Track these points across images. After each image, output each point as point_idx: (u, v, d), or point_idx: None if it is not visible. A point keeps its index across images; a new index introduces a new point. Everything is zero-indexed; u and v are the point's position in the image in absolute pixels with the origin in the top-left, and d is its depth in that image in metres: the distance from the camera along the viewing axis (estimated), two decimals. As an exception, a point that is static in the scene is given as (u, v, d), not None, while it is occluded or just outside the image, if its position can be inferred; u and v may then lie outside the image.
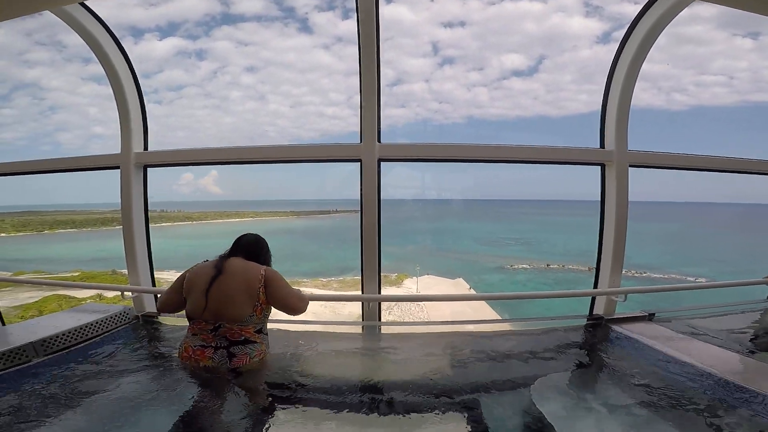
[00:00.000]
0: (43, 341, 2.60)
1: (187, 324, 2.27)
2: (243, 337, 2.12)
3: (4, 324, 4.04)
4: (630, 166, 3.37)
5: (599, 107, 3.46)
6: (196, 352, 2.10)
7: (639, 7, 3.14)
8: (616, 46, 3.32)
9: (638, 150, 3.44)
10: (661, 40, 3.20)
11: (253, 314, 2.12)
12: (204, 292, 2.09)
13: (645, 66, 3.27)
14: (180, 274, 2.30)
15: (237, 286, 2.10)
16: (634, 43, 3.19)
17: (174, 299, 2.25)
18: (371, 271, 3.28)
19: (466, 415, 1.99)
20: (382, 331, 3.32)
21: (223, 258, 2.24)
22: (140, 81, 3.51)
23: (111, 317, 3.11)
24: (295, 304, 2.22)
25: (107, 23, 3.29)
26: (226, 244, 2.38)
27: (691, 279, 27.40)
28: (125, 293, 3.48)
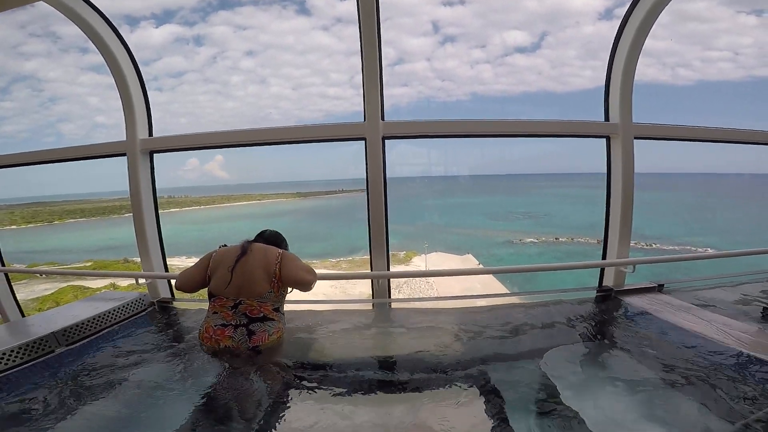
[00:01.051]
0: (64, 331, 2.65)
1: (203, 308, 2.38)
2: (262, 314, 2.24)
3: (24, 316, 4.16)
4: (635, 138, 3.33)
5: (602, 83, 3.41)
6: (217, 332, 2.20)
7: None
8: (618, 22, 3.25)
9: (643, 122, 3.39)
10: (665, 18, 3.12)
11: (271, 291, 2.27)
12: (230, 268, 2.26)
13: (648, 41, 3.20)
14: (203, 255, 2.43)
15: (258, 264, 2.27)
16: (639, 15, 3.11)
17: (197, 277, 2.36)
18: (380, 249, 3.31)
19: (479, 388, 2.02)
20: (393, 308, 3.38)
21: (249, 241, 2.42)
22: (139, 65, 3.49)
23: (127, 304, 3.18)
24: (302, 277, 2.33)
25: (102, 11, 3.25)
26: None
27: (701, 250, 27.21)
28: (140, 280, 3.56)
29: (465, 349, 2.51)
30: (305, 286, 2.37)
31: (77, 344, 2.65)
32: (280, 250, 2.39)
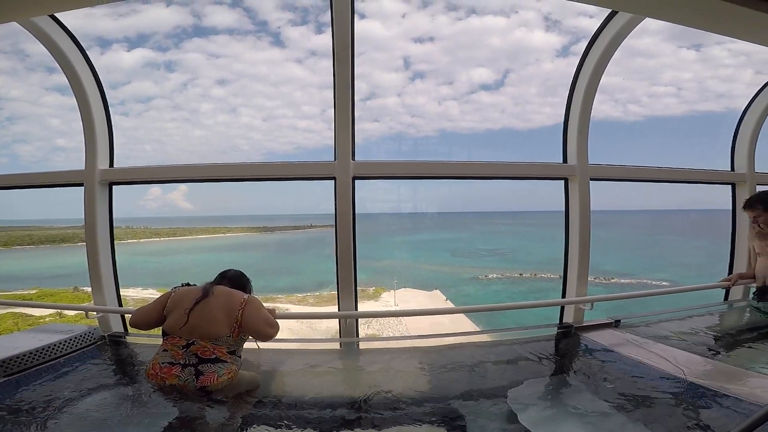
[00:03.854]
0: (2, 362, 2.52)
1: (157, 344, 2.26)
2: (214, 356, 2.11)
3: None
4: (591, 179, 3.54)
5: (562, 120, 3.64)
6: (163, 370, 2.07)
7: (593, 21, 3.35)
8: (574, 59, 3.54)
9: (598, 163, 3.63)
10: (616, 54, 3.40)
11: (230, 335, 2.15)
12: (187, 310, 2.14)
13: (603, 79, 3.46)
14: (163, 292, 2.35)
15: (220, 306, 2.17)
16: (592, 61, 3.39)
17: (153, 315, 2.25)
18: (347, 288, 3.27)
19: (447, 425, 2.02)
20: (360, 347, 3.32)
21: (211, 284, 2.32)
22: (107, 92, 3.45)
23: (75, 337, 3.02)
24: (263, 330, 2.24)
25: (74, 33, 3.22)
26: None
27: (656, 283, 28.55)
28: (90, 313, 3.36)
29: (433, 386, 2.51)
30: (265, 338, 2.28)
31: (16, 376, 2.50)
32: (246, 295, 2.29)
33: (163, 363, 2.09)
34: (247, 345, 2.38)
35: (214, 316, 2.15)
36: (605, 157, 3.80)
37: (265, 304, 2.37)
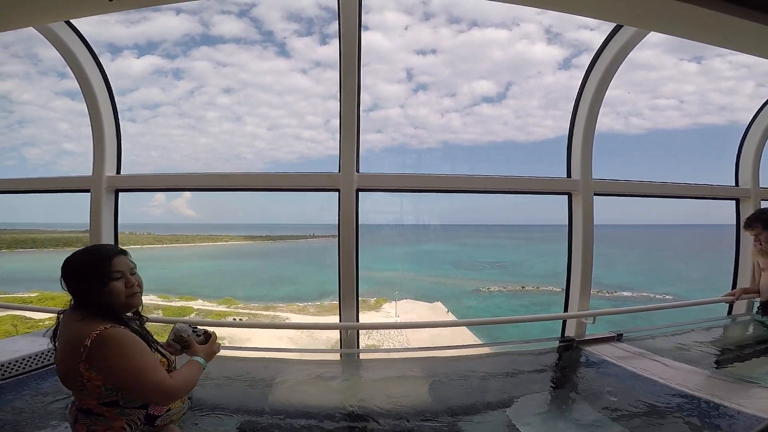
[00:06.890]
0: (1, 365, 2.55)
1: None
2: (87, 407, 1.43)
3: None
4: (595, 194, 3.54)
5: (564, 132, 3.64)
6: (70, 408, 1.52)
7: (594, 34, 3.40)
8: (576, 71, 3.60)
9: (602, 179, 3.62)
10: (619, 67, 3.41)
11: (83, 389, 1.39)
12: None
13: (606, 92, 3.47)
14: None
15: (62, 353, 1.44)
16: (596, 76, 3.40)
17: None
18: (349, 299, 3.26)
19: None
20: (361, 357, 3.31)
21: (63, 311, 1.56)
22: (116, 99, 3.49)
23: None
24: (144, 392, 1.41)
25: (87, 40, 3.27)
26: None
27: (659, 297, 28.44)
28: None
29: (434, 399, 2.50)
30: (155, 402, 1.47)
31: (13, 378, 2.53)
32: (91, 336, 1.35)
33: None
34: (235, 353, 2.14)
35: (59, 362, 1.44)
36: (607, 171, 3.76)
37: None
